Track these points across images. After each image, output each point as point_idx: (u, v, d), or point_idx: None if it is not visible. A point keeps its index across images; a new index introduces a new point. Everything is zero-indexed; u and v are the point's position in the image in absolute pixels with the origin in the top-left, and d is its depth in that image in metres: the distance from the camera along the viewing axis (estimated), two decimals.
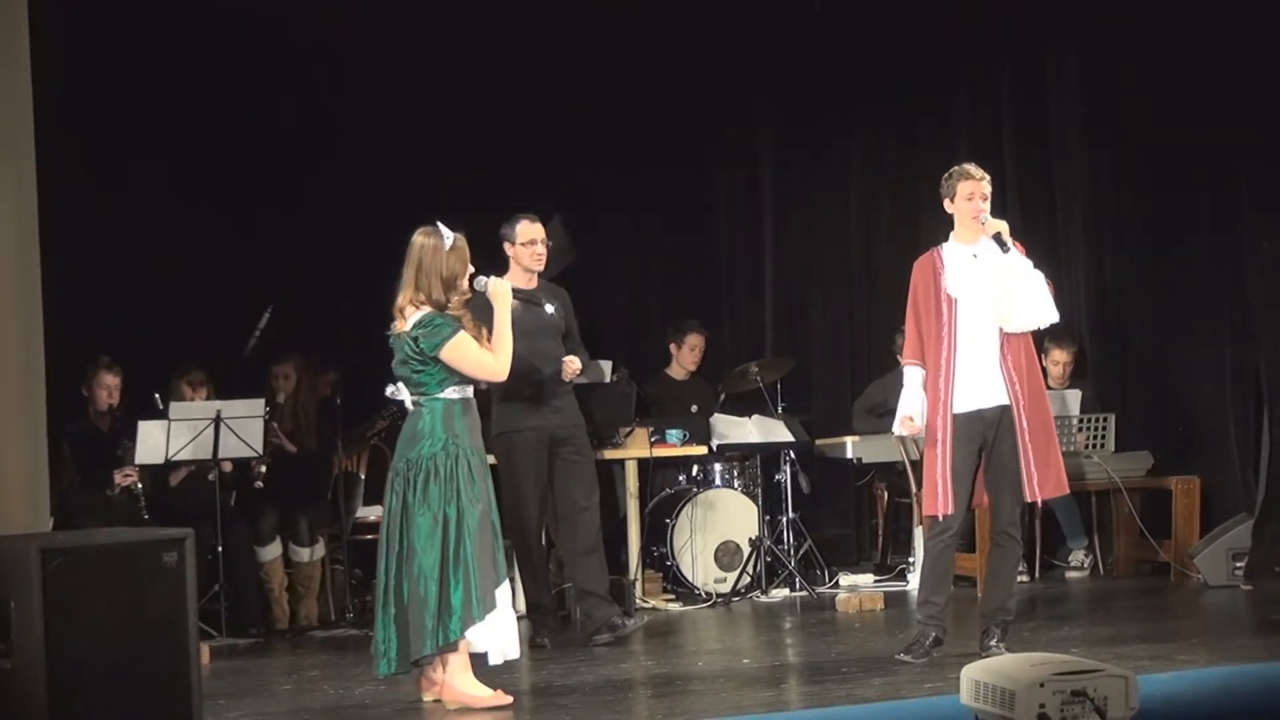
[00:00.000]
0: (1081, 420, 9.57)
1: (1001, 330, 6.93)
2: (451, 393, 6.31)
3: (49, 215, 6.36)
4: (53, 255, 6.42)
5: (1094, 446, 9.53)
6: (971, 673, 5.41)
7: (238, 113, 9.76)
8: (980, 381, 6.92)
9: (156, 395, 8.57)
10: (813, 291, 11.35)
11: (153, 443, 8.36)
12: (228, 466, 8.69)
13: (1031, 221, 10.54)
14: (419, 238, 6.33)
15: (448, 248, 6.29)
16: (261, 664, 7.80)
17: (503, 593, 6.31)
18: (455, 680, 6.23)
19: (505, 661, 6.34)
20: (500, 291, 6.46)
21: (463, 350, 6.26)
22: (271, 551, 8.82)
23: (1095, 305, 10.31)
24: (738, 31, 10.73)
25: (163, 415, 8.41)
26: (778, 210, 11.31)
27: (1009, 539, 7.00)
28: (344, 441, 9.06)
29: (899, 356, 10.02)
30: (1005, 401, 6.90)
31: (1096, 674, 5.13)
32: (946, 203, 7.09)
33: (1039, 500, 6.96)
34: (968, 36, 10.64)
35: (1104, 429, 9.58)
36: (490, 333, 6.42)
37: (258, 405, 8.56)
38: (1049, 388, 9.67)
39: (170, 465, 8.58)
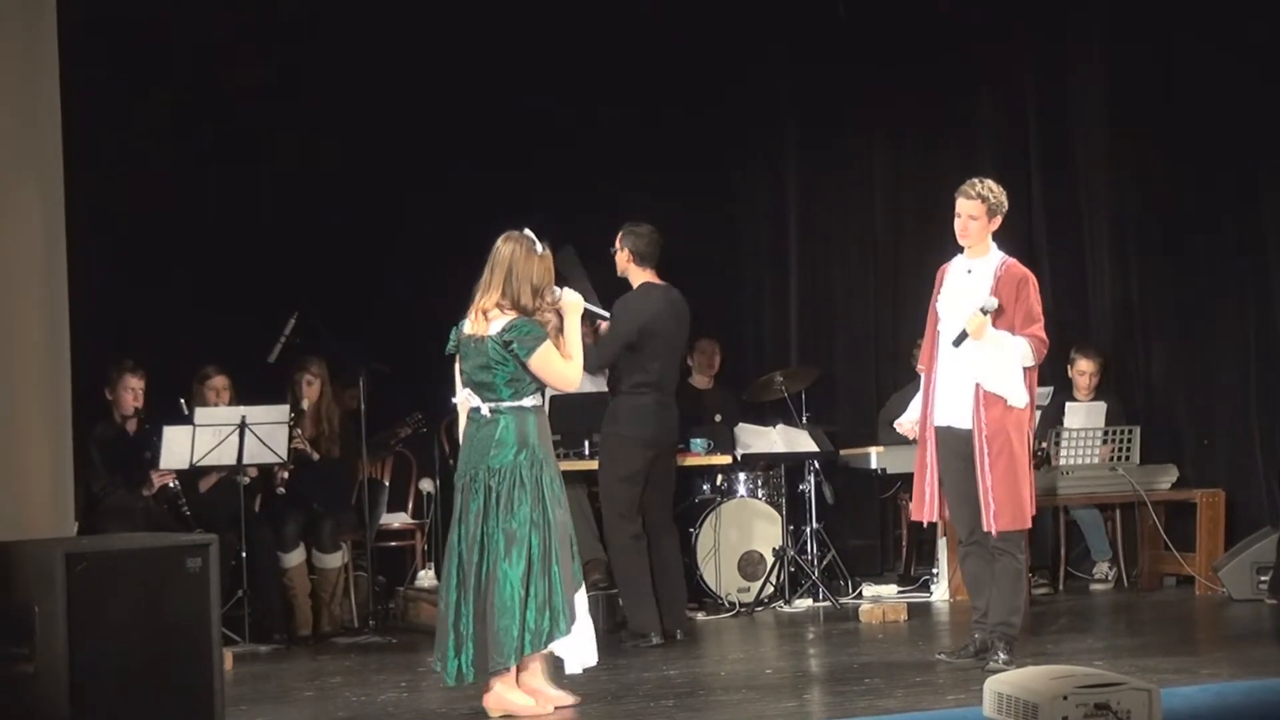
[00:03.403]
0: (1106, 433, 9.55)
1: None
2: (529, 401, 6.29)
3: (75, 221, 6.38)
4: (78, 260, 6.43)
5: (1119, 459, 9.51)
6: (994, 684, 5.42)
7: (261, 118, 9.77)
8: (955, 400, 6.99)
9: (182, 400, 8.58)
10: (837, 301, 11.31)
11: (178, 448, 8.36)
12: (253, 473, 8.70)
13: (1056, 232, 10.53)
14: (507, 244, 6.28)
15: (539, 254, 6.29)
16: (284, 670, 7.80)
17: (580, 599, 6.29)
18: (499, 688, 6.18)
19: (584, 670, 6.36)
20: (572, 303, 6.41)
21: (549, 359, 6.24)
22: (295, 557, 8.81)
23: (1120, 317, 10.28)
24: (761, 33, 10.71)
25: (188, 420, 8.43)
26: (802, 218, 11.27)
27: (1000, 552, 6.98)
28: (369, 448, 9.07)
29: (917, 367, 10.07)
30: (970, 426, 6.92)
31: (1120, 687, 5.14)
32: None
33: (994, 529, 6.88)
34: (990, 38, 10.62)
35: (1129, 441, 9.55)
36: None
37: (282, 411, 8.56)
38: (1074, 399, 9.74)
39: (199, 470, 8.59)
